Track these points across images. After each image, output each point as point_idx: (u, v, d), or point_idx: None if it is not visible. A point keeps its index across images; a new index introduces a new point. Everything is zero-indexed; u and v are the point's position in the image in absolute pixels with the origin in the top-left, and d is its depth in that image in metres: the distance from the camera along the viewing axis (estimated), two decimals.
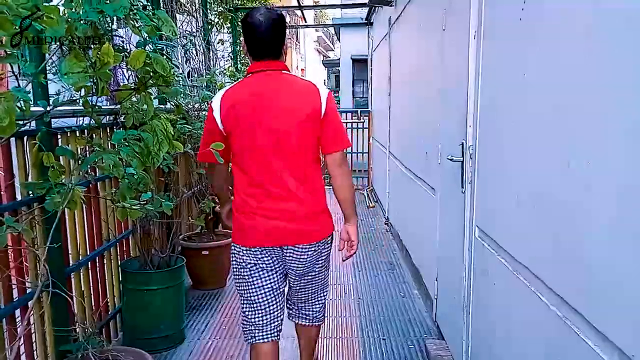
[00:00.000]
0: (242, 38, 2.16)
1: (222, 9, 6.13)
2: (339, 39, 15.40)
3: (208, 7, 5.51)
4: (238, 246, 2.14)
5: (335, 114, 2.10)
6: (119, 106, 2.24)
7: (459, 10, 2.64)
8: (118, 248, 3.17)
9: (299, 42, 26.75)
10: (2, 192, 2.11)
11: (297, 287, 2.30)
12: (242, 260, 2.13)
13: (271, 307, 2.17)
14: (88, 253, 2.78)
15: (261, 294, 2.14)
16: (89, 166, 2.12)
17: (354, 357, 2.99)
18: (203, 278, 4.06)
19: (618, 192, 1.19)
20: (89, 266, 2.80)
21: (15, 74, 1.79)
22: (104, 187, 2.95)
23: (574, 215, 1.39)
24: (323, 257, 2.22)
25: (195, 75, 4.77)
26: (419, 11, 4.07)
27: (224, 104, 2.05)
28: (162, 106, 3.33)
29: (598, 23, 1.28)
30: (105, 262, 3.00)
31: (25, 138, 2.23)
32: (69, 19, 1.68)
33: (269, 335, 2.17)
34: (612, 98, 1.21)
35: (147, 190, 2.24)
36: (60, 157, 2.31)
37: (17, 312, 2.22)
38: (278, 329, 2.20)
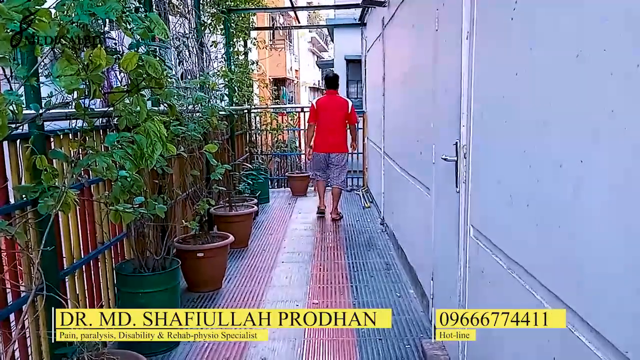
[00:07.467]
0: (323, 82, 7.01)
1: (215, 11, 6.13)
2: (332, 40, 15.42)
3: (201, 8, 5.50)
4: (316, 152, 6.45)
5: (353, 111, 6.46)
6: (111, 108, 2.23)
7: (451, 11, 2.65)
8: (112, 251, 3.16)
9: (292, 43, 26.74)
10: None
11: (333, 170, 6.41)
12: (317, 158, 6.47)
13: (323, 171, 6.51)
14: (82, 256, 2.77)
15: (321, 168, 6.51)
16: (82, 169, 2.11)
17: (350, 358, 2.99)
18: (198, 280, 4.05)
19: (610, 191, 1.20)
20: (84, 269, 2.79)
21: (7, 76, 1.78)
22: (97, 189, 2.94)
23: (567, 214, 1.40)
24: (344, 160, 6.46)
25: (189, 77, 4.76)
26: (412, 12, 4.08)
27: (317, 102, 6.49)
28: (155, 108, 3.32)
29: (589, 22, 1.29)
30: (99, 265, 2.98)
31: (17, 141, 2.22)
32: (61, 22, 1.68)
33: (323, 178, 6.54)
34: (603, 97, 1.22)
35: (140, 192, 2.23)
36: (54, 160, 2.30)
37: (12, 316, 2.21)
38: (327, 178, 6.50)
